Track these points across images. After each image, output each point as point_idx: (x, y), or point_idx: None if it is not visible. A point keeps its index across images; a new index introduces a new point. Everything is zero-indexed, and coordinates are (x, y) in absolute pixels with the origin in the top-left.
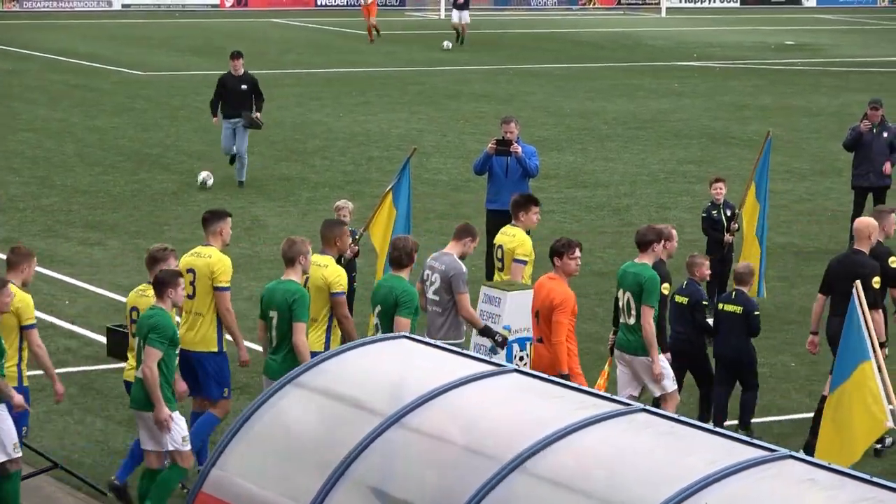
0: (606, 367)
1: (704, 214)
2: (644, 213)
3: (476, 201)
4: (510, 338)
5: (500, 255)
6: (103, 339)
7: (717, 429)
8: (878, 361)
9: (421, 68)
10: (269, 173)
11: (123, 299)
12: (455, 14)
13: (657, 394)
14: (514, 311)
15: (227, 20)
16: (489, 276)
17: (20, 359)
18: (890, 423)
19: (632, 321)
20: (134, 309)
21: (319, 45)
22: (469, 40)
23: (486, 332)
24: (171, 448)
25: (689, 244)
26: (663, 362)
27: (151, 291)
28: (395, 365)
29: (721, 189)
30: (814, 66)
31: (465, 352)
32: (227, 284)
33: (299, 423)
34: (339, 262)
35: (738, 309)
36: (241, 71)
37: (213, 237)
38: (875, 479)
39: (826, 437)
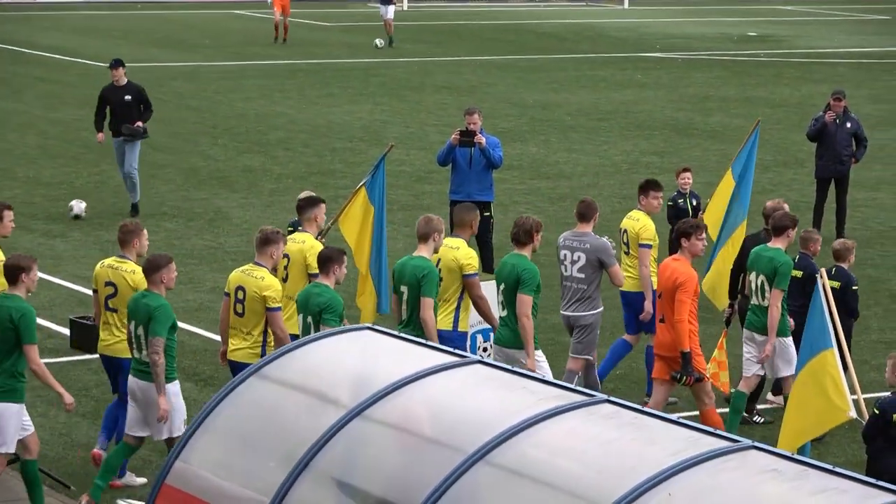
0: (722, 339)
1: (670, 203)
2: (607, 205)
3: (440, 192)
4: (472, 330)
5: (625, 240)
6: (66, 331)
7: (681, 420)
8: (842, 351)
9: (383, 60)
10: (232, 165)
11: (87, 291)
12: (381, 9)
13: (784, 374)
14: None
15: (188, 12)
16: None
17: None
18: (852, 414)
19: (766, 303)
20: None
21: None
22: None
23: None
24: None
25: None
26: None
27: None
28: (359, 356)
29: (688, 179)
30: (776, 57)
31: (428, 343)
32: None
33: (263, 415)
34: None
35: (836, 284)
36: (124, 81)
37: (308, 224)
38: (838, 470)
39: (787, 422)
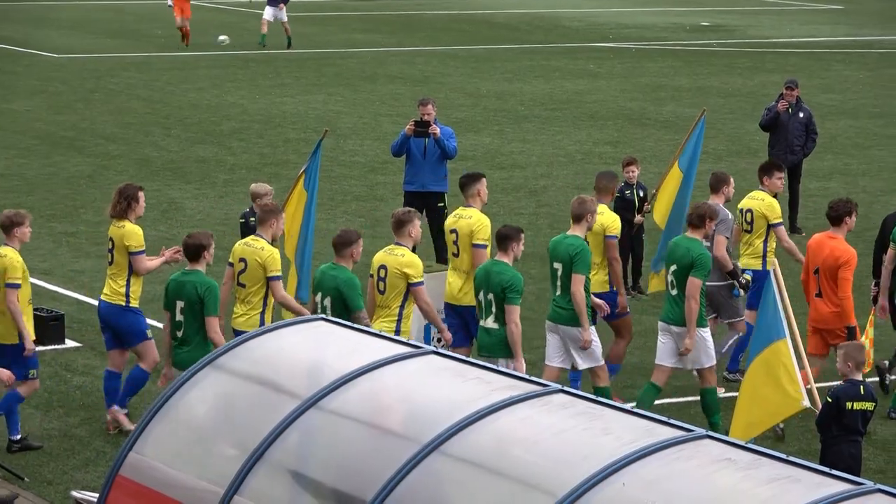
0: (871, 316)
1: (618, 195)
2: (561, 194)
3: (393, 183)
4: (425, 322)
5: (749, 219)
6: None
7: (635, 409)
8: (794, 341)
9: (337, 50)
10: (185, 156)
11: (41, 283)
12: (268, 11)
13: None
14: (432, 293)
15: (140, 2)
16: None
17: None
18: (806, 403)
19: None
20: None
21: (234, 27)
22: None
23: (733, 274)
24: None
25: None
26: None
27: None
28: (313, 347)
29: (634, 171)
30: (729, 46)
31: (382, 333)
32: (420, 279)
33: (217, 406)
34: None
35: None
36: None
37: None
38: (791, 458)
39: (740, 412)
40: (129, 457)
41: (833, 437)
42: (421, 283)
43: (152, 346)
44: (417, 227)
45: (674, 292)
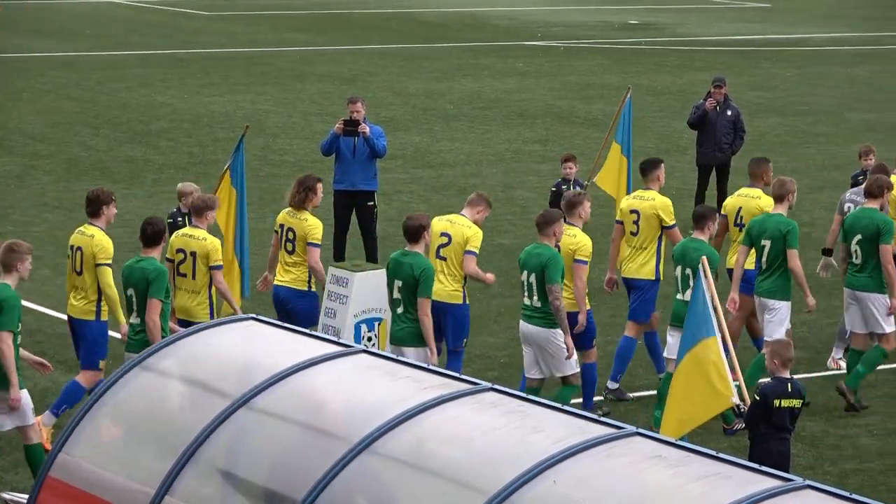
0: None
1: (554, 189)
2: (490, 193)
3: (323, 182)
4: (357, 319)
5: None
6: None
7: (565, 407)
8: (724, 338)
9: (265, 49)
10: (113, 155)
11: None
12: None
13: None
14: (362, 292)
15: (70, 1)
16: (338, 258)
17: None
18: (735, 400)
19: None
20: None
21: (163, 26)
22: (309, 19)
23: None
24: None
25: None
26: None
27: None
28: (243, 346)
29: (571, 167)
30: (657, 45)
31: (312, 333)
32: (588, 258)
33: (148, 407)
34: None
35: None
36: None
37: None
38: (721, 455)
39: (670, 409)
40: (59, 458)
41: (761, 435)
42: (586, 262)
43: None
44: (587, 207)
45: (857, 262)
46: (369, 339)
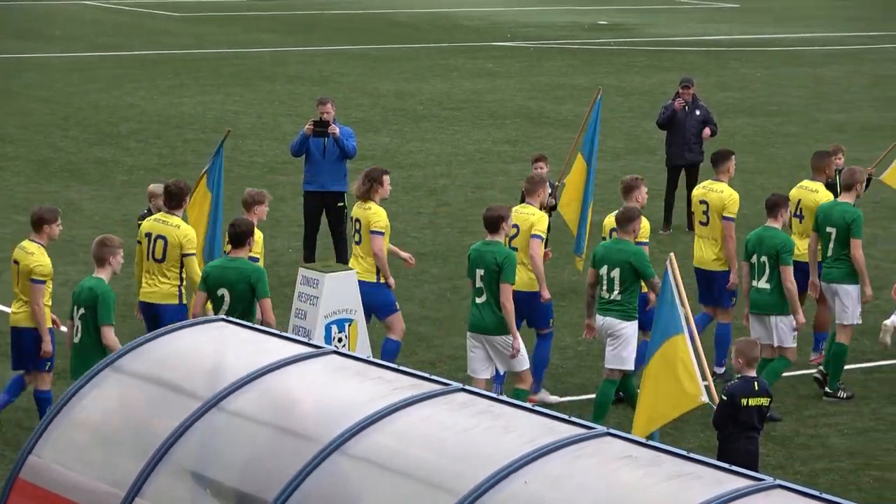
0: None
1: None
2: (460, 194)
3: (293, 183)
4: (328, 320)
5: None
6: None
7: (536, 407)
8: (692, 336)
9: (235, 50)
10: (83, 157)
11: None
12: None
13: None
14: (332, 293)
15: (38, 3)
16: (309, 259)
17: None
18: (704, 398)
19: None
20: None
21: (131, 27)
22: (280, 21)
23: None
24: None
25: None
26: None
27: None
28: (214, 347)
29: (542, 167)
30: (627, 45)
31: (283, 334)
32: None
33: (118, 408)
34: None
35: None
36: None
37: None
38: (692, 455)
39: (640, 407)
40: (29, 460)
41: (730, 434)
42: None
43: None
44: (644, 192)
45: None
46: (340, 339)
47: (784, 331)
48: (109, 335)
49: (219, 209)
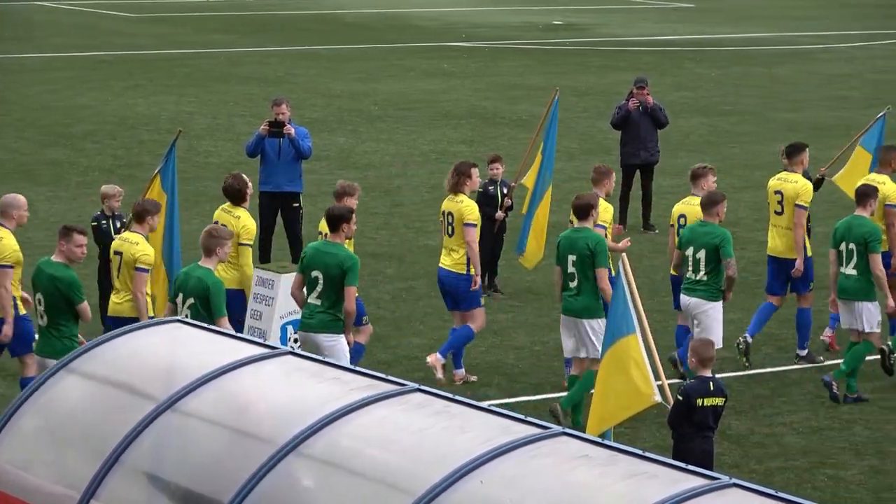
0: None
1: (480, 189)
2: (416, 194)
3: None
4: (284, 320)
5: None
6: None
7: (492, 407)
8: (645, 336)
9: (189, 51)
10: (37, 158)
11: None
12: None
13: None
14: (287, 294)
15: None
16: (264, 259)
17: None
18: (657, 398)
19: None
20: None
21: (85, 28)
22: (233, 21)
23: None
24: None
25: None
26: None
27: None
28: (169, 348)
29: (498, 168)
30: (581, 45)
31: (238, 335)
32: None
33: (73, 410)
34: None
35: None
36: None
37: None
38: (648, 455)
39: (594, 406)
40: None
41: (685, 434)
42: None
43: None
44: (711, 181)
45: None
46: (295, 340)
47: (869, 315)
48: (226, 325)
49: (174, 209)
